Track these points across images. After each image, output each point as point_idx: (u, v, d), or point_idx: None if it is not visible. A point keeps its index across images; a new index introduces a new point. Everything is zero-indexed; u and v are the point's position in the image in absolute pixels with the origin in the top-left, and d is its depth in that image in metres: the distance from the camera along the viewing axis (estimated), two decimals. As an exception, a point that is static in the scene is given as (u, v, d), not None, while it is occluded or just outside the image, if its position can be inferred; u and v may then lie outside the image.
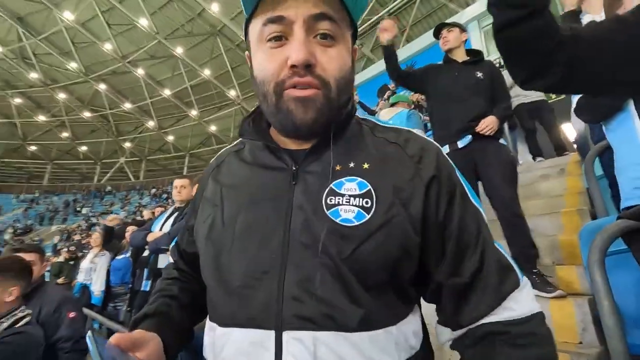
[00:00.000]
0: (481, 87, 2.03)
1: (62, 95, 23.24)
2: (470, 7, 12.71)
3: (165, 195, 22.04)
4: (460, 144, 1.98)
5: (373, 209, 0.46)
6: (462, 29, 2.17)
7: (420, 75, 2.20)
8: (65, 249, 6.35)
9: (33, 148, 26.98)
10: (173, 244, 0.69)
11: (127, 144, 27.35)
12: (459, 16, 12.76)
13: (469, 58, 2.14)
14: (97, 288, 3.78)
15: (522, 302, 0.48)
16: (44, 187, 26.81)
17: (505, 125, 3.89)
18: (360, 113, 0.61)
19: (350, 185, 0.48)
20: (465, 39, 2.17)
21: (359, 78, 16.04)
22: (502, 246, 0.52)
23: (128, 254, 3.42)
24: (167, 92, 22.25)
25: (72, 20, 18.31)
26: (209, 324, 0.52)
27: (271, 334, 0.43)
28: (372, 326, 0.44)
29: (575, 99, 1.59)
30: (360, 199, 0.47)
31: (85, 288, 3.93)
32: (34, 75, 21.86)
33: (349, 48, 0.52)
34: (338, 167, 0.50)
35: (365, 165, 0.50)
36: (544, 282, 1.71)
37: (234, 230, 0.50)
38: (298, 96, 0.47)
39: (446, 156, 0.54)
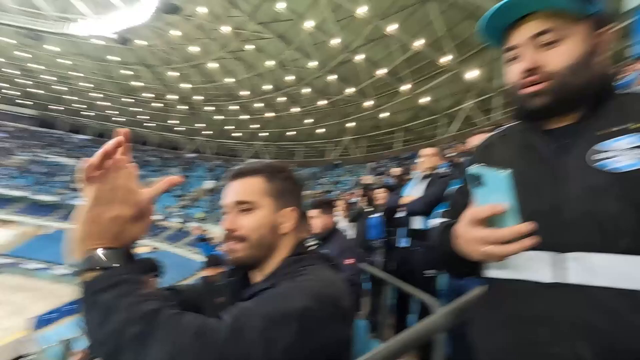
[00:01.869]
0: None
1: (305, 90, 29.78)
2: None
3: (383, 169, 24.27)
4: None
5: None
6: None
7: None
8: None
9: (292, 133, 36.56)
10: None
11: (351, 124, 31.82)
12: None
13: None
14: None
15: None
16: (299, 162, 36.12)
17: None
18: None
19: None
20: None
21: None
22: None
23: (381, 213, 3.95)
24: (381, 72, 23.87)
25: (313, 27, 22.69)
26: None
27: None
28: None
29: None
30: None
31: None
32: (289, 77, 29.12)
33: (579, 39, 0.62)
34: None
35: None
36: None
37: None
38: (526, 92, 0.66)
39: None
